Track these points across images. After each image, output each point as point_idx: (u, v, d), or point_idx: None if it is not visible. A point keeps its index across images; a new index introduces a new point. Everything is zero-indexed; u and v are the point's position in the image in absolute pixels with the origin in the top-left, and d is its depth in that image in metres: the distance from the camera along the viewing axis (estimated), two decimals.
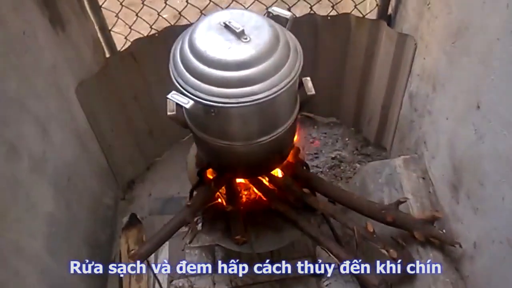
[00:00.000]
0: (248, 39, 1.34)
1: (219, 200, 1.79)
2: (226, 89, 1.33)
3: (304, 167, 1.89)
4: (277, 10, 1.60)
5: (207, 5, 2.06)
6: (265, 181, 1.81)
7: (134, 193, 2.22)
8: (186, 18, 2.08)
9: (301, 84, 1.55)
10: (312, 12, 2.00)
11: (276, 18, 1.61)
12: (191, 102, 1.33)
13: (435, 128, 1.67)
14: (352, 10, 1.99)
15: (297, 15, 2.00)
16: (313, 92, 1.55)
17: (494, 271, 1.34)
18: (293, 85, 1.41)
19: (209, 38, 1.35)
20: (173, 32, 1.98)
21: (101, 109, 1.92)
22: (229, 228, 1.73)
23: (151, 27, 2.11)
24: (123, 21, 2.13)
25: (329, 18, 1.99)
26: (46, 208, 1.43)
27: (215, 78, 1.32)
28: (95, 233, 1.84)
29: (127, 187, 2.24)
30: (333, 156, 2.26)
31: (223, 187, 1.79)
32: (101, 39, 2.03)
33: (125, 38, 2.14)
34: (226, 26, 1.37)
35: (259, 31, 1.37)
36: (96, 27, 1.98)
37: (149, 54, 2.01)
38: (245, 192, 1.85)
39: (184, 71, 1.38)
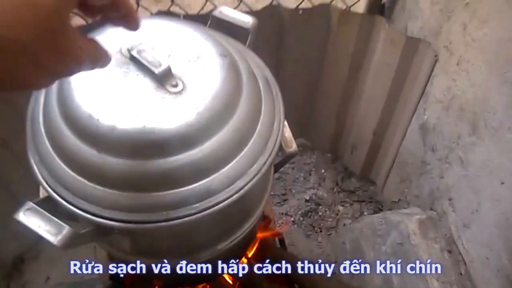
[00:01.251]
0: (180, 87, 0.65)
1: None
2: (141, 195, 0.65)
3: (279, 244, 1.28)
4: (229, 12, 0.92)
5: None
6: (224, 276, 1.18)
7: (25, 278, 1.50)
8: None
9: None
10: (275, 3, 1.32)
11: (226, 27, 0.94)
12: (66, 228, 0.65)
13: (474, 188, 1.11)
14: (332, 0, 1.33)
15: (254, 9, 1.32)
16: (294, 148, 0.91)
17: None
18: (269, 166, 0.77)
19: (99, 88, 0.65)
20: None
21: None
22: None
23: None
24: None
25: (300, 11, 1.32)
26: None
27: (117, 175, 0.64)
28: None
29: (12, 269, 1.50)
30: (307, 197, 1.66)
31: None
32: None
33: None
34: (135, 59, 0.67)
35: (202, 67, 0.68)
36: None
37: None
38: None
39: (54, 155, 0.68)
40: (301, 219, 1.62)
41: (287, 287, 1.15)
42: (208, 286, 1.13)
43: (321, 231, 1.60)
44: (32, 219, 0.64)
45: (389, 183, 1.57)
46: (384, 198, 1.63)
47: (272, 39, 1.41)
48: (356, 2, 1.37)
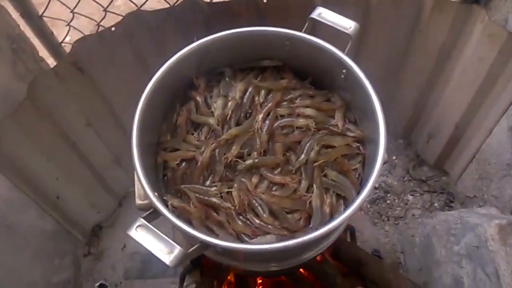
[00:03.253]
0: None
1: None
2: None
3: (350, 235, 1.29)
4: (328, 15, 0.89)
5: None
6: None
7: (103, 244, 1.60)
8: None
9: None
10: None
11: (321, 32, 0.91)
12: (177, 248, 0.67)
13: None
14: None
15: None
16: (385, 158, 0.89)
17: None
18: None
19: None
20: (138, 21, 1.25)
21: (35, 156, 1.23)
22: None
23: (105, 9, 1.34)
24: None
25: None
26: None
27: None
28: None
29: (91, 235, 1.61)
30: (376, 184, 1.64)
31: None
32: (30, 37, 1.28)
33: (68, 24, 1.38)
34: None
35: None
36: (14, 15, 1.22)
37: (104, 58, 1.27)
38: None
39: None
40: (369, 206, 1.61)
41: (360, 284, 1.16)
42: (284, 278, 1.17)
43: (388, 220, 1.59)
44: (144, 237, 0.67)
45: (465, 177, 1.51)
46: (457, 191, 1.58)
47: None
48: None
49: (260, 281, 1.24)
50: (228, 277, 1.20)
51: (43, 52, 1.37)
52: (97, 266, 1.57)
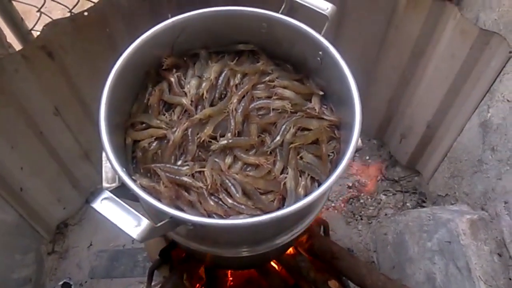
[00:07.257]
0: None
1: None
2: None
3: (323, 231, 1.27)
4: None
5: None
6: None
7: (68, 243, 1.54)
8: None
9: None
10: None
11: (299, 15, 0.91)
12: (145, 221, 0.64)
13: None
14: None
15: None
16: (360, 144, 0.91)
17: None
18: None
19: None
20: (113, 6, 1.22)
21: None
22: None
23: None
24: None
25: None
26: None
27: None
28: None
29: (56, 233, 1.54)
30: (349, 184, 1.64)
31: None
32: None
33: (39, 11, 1.33)
34: None
35: None
36: None
37: (76, 45, 1.24)
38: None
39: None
40: (342, 206, 1.61)
41: (333, 278, 1.14)
42: (256, 272, 1.14)
43: (361, 219, 1.58)
44: (110, 209, 0.63)
45: (437, 176, 1.53)
46: (429, 190, 1.59)
47: None
48: None
49: (231, 278, 1.21)
50: (199, 272, 1.16)
51: (12, 39, 1.32)
52: (61, 264, 1.50)
